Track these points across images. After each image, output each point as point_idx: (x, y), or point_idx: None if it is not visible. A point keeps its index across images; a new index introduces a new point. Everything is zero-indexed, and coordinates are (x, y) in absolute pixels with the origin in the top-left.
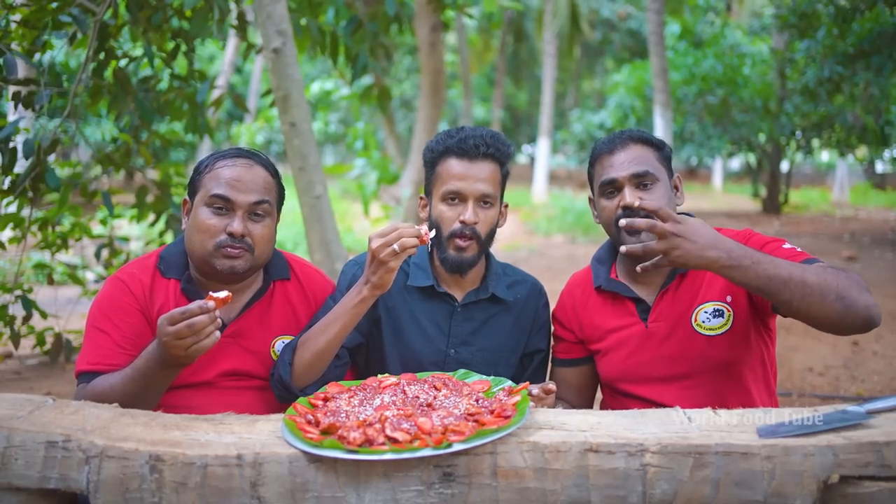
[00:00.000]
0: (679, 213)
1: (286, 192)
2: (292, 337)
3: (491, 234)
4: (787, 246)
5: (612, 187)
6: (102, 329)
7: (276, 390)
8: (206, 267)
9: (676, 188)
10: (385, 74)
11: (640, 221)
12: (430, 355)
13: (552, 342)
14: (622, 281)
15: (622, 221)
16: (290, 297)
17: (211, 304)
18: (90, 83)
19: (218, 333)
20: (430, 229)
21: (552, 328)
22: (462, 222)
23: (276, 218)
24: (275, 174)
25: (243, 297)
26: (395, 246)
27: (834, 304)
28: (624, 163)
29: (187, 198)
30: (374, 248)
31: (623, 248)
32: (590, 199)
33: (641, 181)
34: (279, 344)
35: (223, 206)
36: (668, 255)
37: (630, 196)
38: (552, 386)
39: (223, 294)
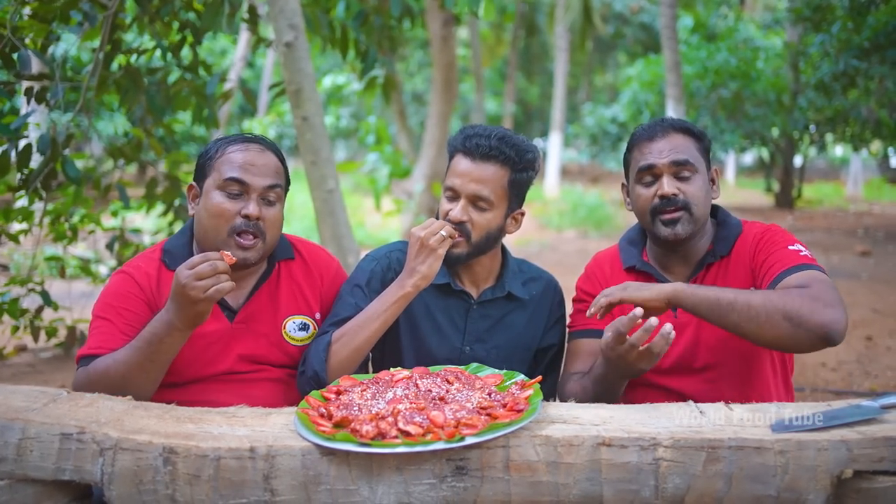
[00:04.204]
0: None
1: (298, 186)
2: (303, 317)
3: (488, 238)
4: (793, 248)
5: (650, 174)
6: (106, 317)
7: (307, 387)
8: None
9: (713, 181)
10: (386, 67)
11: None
12: (445, 352)
13: (576, 315)
14: (653, 265)
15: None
16: (296, 276)
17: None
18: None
19: (233, 283)
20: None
21: (576, 304)
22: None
23: (283, 204)
24: (283, 160)
25: (249, 281)
26: (443, 231)
27: (781, 324)
28: (664, 150)
29: (194, 183)
30: (422, 236)
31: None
32: (623, 185)
33: (680, 171)
34: (290, 325)
35: (238, 189)
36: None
37: (668, 185)
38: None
39: (228, 253)
